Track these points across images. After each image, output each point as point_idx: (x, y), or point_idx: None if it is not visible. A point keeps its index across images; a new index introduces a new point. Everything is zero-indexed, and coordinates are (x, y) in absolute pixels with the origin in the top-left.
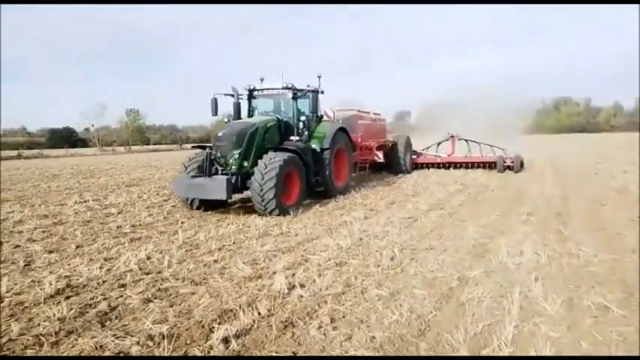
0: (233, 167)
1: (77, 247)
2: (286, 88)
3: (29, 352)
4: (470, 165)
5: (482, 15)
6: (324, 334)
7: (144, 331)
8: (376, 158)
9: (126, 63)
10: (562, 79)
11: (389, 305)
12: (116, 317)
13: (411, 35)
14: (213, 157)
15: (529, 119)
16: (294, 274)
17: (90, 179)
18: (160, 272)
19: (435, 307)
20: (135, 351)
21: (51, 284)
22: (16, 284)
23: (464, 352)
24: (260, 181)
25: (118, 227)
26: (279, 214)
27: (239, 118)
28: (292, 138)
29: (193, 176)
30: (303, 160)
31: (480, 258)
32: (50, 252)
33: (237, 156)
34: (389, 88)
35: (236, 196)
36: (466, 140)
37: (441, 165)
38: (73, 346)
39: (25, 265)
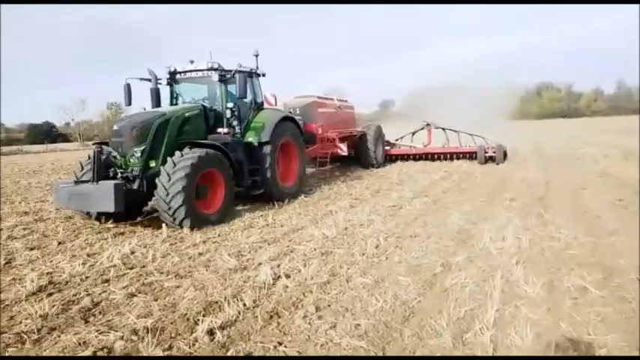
0: (135, 169)
1: (59, 243)
2: (211, 69)
3: (10, 351)
4: (448, 156)
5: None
6: (309, 323)
7: (128, 325)
8: (339, 151)
9: (106, 57)
10: (543, 65)
11: (373, 293)
12: (100, 313)
13: (394, 25)
14: (105, 157)
15: (513, 106)
16: (279, 265)
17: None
18: (144, 266)
19: (419, 293)
20: (119, 346)
21: (32, 281)
22: None
23: (447, 337)
24: (166, 184)
25: (100, 222)
26: (193, 227)
27: (158, 106)
28: (220, 130)
29: (77, 182)
30: (229, 158)
31: (464, 244)
32: (31, 249)
33: (139, 154)
34: (375, 78)
35: None
36: (443, 129)
37: (417, 157)
38: (55, 343)
39: (6, 263)
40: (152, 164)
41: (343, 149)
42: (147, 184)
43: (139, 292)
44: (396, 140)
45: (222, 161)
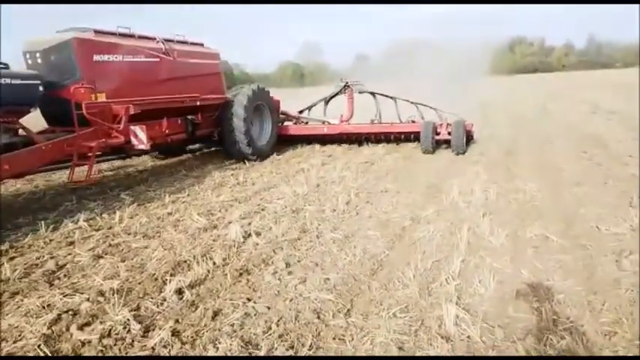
0: None
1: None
2: None
3: None
4: (376, 137)
5: None
6: (279, 279)
7: (94, 287)
8: (134, 141)
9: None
10: (517, 19)
11: (343, 248)
12: (65, 275)
13: None
14: None
15: (487, 62)
16: (250, 223)
17: None
18: (110, 228)
19: (388, 246)
20: (85, 307)
21: None
22: None
23: (414, 288)
24: None
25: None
26: None
27: None
28: None
29: None
30: None
31: (433, 198)
32: None
33: None
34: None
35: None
36: (372, 94)
37: (329, 139)
38: (18, 307)
39: None
40: None
41: (141, 139)
42: None
43: (106, 254)
44: (300, 112)
45: None
